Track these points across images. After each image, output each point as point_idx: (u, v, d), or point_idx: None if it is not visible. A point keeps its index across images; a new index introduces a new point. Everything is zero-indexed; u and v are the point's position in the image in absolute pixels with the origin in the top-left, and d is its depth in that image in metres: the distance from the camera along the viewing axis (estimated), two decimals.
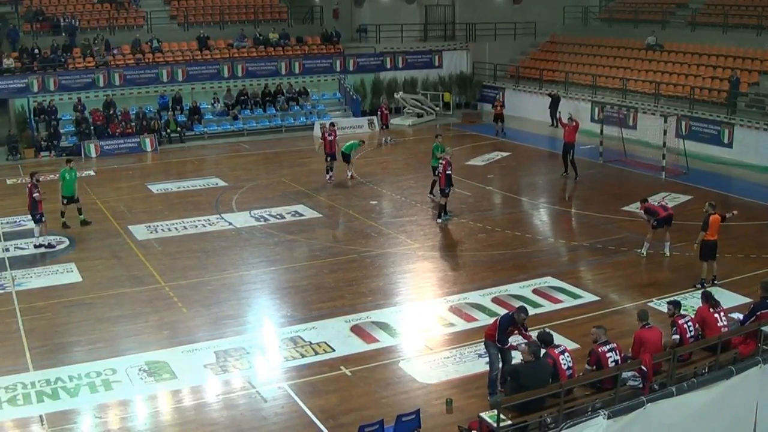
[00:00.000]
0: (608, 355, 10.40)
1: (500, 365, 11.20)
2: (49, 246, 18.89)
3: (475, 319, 14.27)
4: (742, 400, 10.13)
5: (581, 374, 10.50)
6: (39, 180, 19.53)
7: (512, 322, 11.24)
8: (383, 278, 16.71)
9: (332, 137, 24.88)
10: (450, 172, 20.05)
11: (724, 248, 17.70)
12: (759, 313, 11.51)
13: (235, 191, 24.13)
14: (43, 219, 19.09)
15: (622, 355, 10.72)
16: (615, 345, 10.56)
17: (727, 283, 15.44)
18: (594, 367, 10.51)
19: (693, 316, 11.66)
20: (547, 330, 11.48)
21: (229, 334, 13.93)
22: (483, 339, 11.80)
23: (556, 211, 22.25)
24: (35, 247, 18.81)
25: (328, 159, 24.88)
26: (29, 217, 20.63)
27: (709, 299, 11.75)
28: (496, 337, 11.18)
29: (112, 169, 27.95)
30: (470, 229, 19.95)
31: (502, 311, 14.49)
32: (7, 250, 18.70)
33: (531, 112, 35.28)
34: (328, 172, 24.94)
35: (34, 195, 18.87)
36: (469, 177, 25.30)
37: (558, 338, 13.33)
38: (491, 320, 13.89)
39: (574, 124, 24.71)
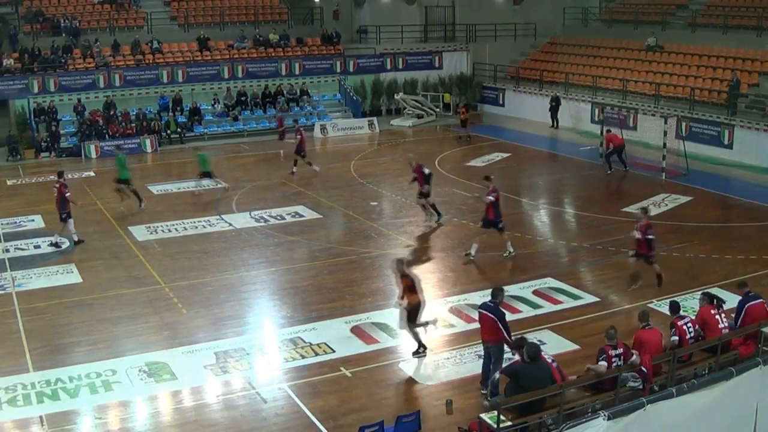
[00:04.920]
0: (613, 360, 10.30)
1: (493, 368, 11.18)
2: (57, 245, 18.95)
3: (475, 321, 14.16)
4: (742, 401, 10.12)
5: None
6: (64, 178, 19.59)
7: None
8: (383, 279, 16.70)
9: (300, 137, 25.98)
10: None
11: (725, 249, 17.78)
12: (746, 306, 11.55)
13: (235, 192, 24.12)
14: (70, 218, 19.11)
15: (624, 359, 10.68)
16: (622, 351, 10.33)
17: (728, 284, 15.40)
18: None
19: (693, 317, 11.66)
20: (536, 342, 11.38)
21: (229, 335, 13.93)
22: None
23: (556, 212, 22.25)
24: (51, 244, 18.94)
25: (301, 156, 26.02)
26: (30, 217, 20.70)
27: (712, 299, 11.75)
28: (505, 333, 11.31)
29: (113, 170, 27.85)
30: (470, 230, 19.93)
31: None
32: (7, 251, 18.70)
33: (531, 113, 35.29)
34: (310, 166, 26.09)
35: (66, 194, 18.92)
36: (469, 178, 25.30)
37: (558, 339, 13.41)
38: None
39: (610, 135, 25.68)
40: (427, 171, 20.33)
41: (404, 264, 13.10)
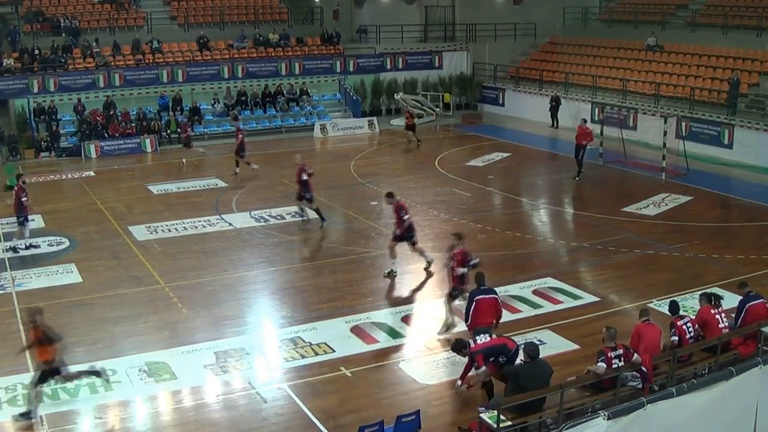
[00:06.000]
0: (613, 362, 10.28)
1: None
2: (32, 246, 18.66)
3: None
4: (742, 401, 10.13)
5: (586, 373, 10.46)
6: (25, 182, 19.42)
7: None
8: (383, 279, 16.70)
9: (240, 137, 26.33)
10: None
11: (725, 249, 17.78)
12: (747, 306, 11.55)
13: (235, 192, 24.13)
14: (27, 222, 18.95)
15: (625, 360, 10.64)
16: (621, 352, 10.27)
17: (727, 284, 15.40)
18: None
19: (693, 317, 11.65)
20: (535, 343, 11.38)
21: (229, 334, 13.93)
22: None
23: (556, 212, 22.26)
24: (13, 249, 18.57)
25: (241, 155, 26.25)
26: (30, 217, 20.64)
27: (711, 299, 11.75)
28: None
29: (112, 170, 27.97)
30: (470, 230, 19.91)
31: (502, 312, 14.51)
32: (8, 250, 18.67)
33: (531, 113, 35.32)
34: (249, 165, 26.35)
35: (22, 199, 18.78)
36: (469, 178, 25.33)
37: (558, 339, 13.41)
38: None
39: (583, 128, 24.98)
40: (305, 176, 19.92)
41: (37, 314, 11.23)
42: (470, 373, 10.94)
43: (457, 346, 11.19)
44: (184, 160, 28.77)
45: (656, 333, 10.93)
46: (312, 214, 20.40)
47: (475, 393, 11.43)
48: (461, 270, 13.55)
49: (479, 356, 10.67)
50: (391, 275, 16.57)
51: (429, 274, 16.78)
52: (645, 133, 28.13)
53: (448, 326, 13.76)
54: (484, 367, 10.66)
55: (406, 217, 16.46)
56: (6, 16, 34.72)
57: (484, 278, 12.24)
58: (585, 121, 25.88)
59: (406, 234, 16.64)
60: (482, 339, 10.99)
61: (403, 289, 16.24)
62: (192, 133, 31.08)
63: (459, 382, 11.21)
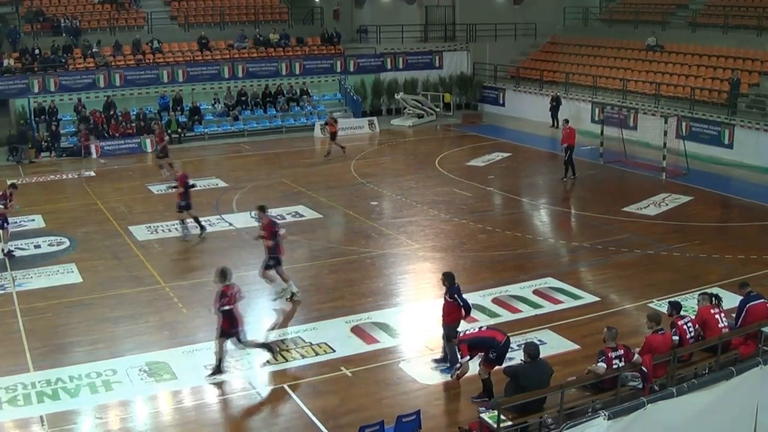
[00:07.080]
0: (614, 362, 10.26)
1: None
2: (9, 254, 18.36)
3: (475, 320, 14.22)
4: (743, 401, 10.13)
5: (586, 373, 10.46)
6: (11, 195, 19.25)
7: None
8: (383, 279, 16.71)
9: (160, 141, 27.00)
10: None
11: (725, 249, 17.78)
12: (748, 306, 11.54)
13: (235, 192, 24.13)
14: (6, 226, 18.80)
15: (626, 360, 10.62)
16: (622, 352, 10.24)
17: (728, 284, 15.39)
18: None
19: (693, 317, 11.65)
20: (535, 342, 11.39)
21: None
22: None
23: (557, 212, 22.25)
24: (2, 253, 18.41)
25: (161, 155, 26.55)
26: (30, 217, 20.70)
27: (711, 298, 11.74)
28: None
29: (113, 170, 27.96)
30: (470, 230, 19.94)
31: (503, 312, 14.59)
32: (5, 255, 18.63)
33: (531, 113, 35.30)
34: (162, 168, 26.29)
35: (12, 206, 18.73)
36: (469, 178, 25.33)
37: (558, 339, 13.41)
38: (491, 321, 13.97)
39: (568, 129, 24.83)
40: (191, 182, 19.68)
41: None
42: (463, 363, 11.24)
43: (448, 336, 11.74)
44: (82, 172, 27.49)
45: (668, 343, 10.77)
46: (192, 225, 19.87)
47: (469, 388, 11.45)
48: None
49: (464, 345, 11.06)
50: (293, 298, 15.57)
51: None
52: (645, 133, 28.14)
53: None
54: (468, 357, 11.06)
55: (281, 232, 15.65)
56: (6, 16, 34.77)
57: (453, 277, 12.61)
58: (567, 121, 25.75)
59: (270, 254, 15.50)
60: (472, 329, 11.40)
61: (403, 289, 16.24)
62: (185, 135, 31.09)
63: (458, 365, 11.46)
